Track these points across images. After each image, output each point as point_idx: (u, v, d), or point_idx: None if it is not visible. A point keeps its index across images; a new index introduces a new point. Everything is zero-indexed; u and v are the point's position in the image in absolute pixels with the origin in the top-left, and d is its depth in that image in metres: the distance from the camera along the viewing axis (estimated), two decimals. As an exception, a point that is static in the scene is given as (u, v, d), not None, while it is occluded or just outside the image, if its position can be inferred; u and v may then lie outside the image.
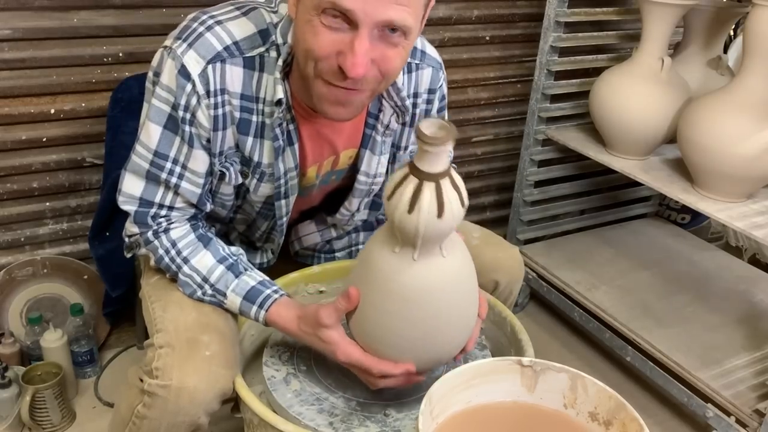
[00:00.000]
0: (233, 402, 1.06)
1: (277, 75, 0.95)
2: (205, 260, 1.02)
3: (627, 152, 1.71)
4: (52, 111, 1.46)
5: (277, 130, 0.99)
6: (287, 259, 1.27)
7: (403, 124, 1.13)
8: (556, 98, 1.88)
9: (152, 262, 1.06)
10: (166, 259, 1.03)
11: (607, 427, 0.80)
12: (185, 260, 1.02)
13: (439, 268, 0.87)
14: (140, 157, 0.99)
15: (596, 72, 1.80)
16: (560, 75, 1.87)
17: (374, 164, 1.12)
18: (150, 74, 0.99)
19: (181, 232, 1.03)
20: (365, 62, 0.86)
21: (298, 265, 1.25)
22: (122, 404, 1.00)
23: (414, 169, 0.80)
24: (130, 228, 1.04)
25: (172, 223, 1.03)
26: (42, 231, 1.57)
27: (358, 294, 0.90)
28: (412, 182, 0.80)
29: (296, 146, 1.03)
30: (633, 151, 1.70)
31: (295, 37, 0.92)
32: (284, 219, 1.11)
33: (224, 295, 1.01)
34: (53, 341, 1.52)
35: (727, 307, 1.79)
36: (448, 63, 1.86)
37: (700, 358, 1.57)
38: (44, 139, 1.48)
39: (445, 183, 0.81)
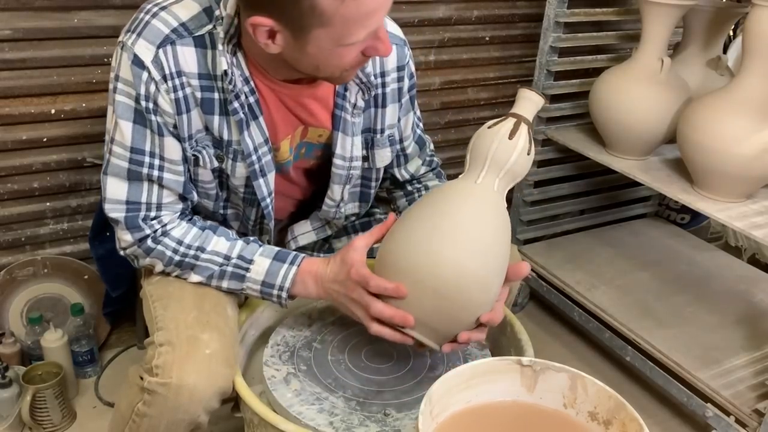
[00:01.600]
0: (233, 401, 1.07)
1: (220, 47, 0.96)
2: (222, 242, 1.03)
3: (627, 152, 1.71)
4: (53, 111, 1.46)
5: (236, 104, 0.99)
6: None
7: (375, 105, 1.13)
8: (556, 98, 1.88)
9: (158, 269, 1.05)
10: (177, 257, 1.02)
11: (606, 427, 0.80)
12: (201, 249, 1.02)
13: (495, 201, 0.95)
14: (118, 157, 0.99)
15: (596, 72, 1.79)
16: (560, 75, 1.87)
17: (348, 146, 1.11)
18: (111, 74, 0.99)
19: (181, 230, 1.03)
20: (389, 40, 0.94)
21: (298, 265, 1.25)
22: (122, 402, 1.00)
23: (515, 115, 0.98)
24: (123, 237, 1.03)
25: (167, 225, 1.03)
26: (42, 231, 1.57)
27: (394, 218, 0.99)
28: (510, 120, 0.97)
29: (261, 119, 1.03)
30: (633, 152, 1.70)
31: (315, 58, 0.92)
32: (268, 200, 1.10)
33: (250, 261, 1.02)
34: (54, 341, 1.52)
35: (727, 307, 1.79)
36: (448, 63, 1.87)
37: (700, 358, 1.57)
38: (45, 139, 1.48)
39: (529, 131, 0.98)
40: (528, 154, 0.97)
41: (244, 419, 1.03)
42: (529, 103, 0.99)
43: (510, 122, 0.97)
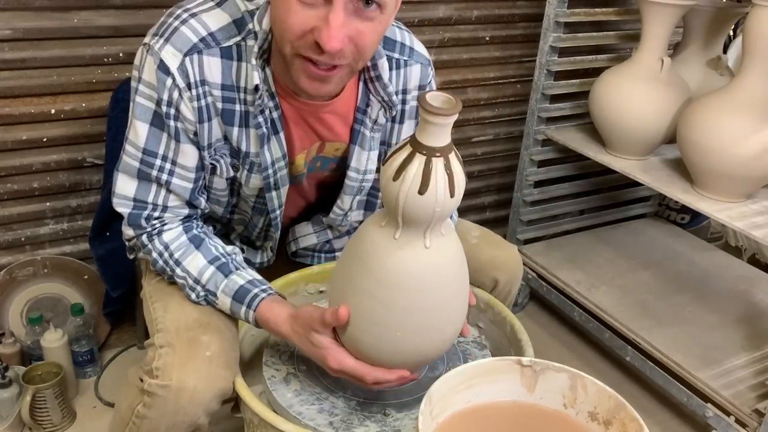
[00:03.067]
0: (233, 402, 1.07)
1: (253, 62, 0.95)
2: (196, 261, 1.02)
3: (627, 152, 1.71)
4: (53, 111, 1.46)
5: (260, 118, 0.99)
6: (287, 259, 1.27)
7: (393, 120, 1.13)
8: (556, 98, 1.88)
9: (151, 266, 1.07)
10: (161, 262, 1.03)
11: (606, 427, 0.80)
12: (177, 262, 1.02)
13: (428, 254, 0.83)
14: (130, 156, 0.99)
15: (596, 72, 1.80)
16: (560, 75, 1.87)
17: (364, 160, 1.11)
18: (134, 73, 0.99)
19: (173, 234, 1.03)
20: (341, 35, 0.85)
21: (297, 265, 1.25)
22: (122, 404, 1.00)
23: (416, 144, 0.76)
24: (126, 231, 1.04)
25: (165, 224, 1.03)
26: (42, 231, 1.57)
27: (348, 314, 0.88)
28: (418, 159, 0.76)
29: (282, 135, 1.03)
30: (633, 152, 1.70)
31: (272, 18, 0.92)
32: (277, 212, 1.10)
33: (215, 295, 1.01)
34: (54, 341, 1.52)
35: (727, 307, 1.79)
36: (448, 63, 1.87)
37: (700, 358, 1.57)
38: (45, 139, 1.48)
39: (453, 158, 0.78)
40: (452, 196, 0.77)
41: (244, 419, 1.03)
42: (436, 127, 0.75)
43: (416, 165, 0.76)
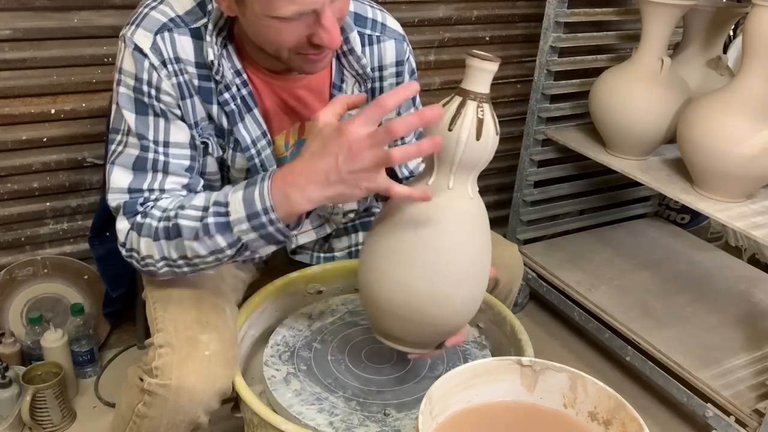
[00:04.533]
0: (233, 402, 1.07)
1: (208, 38, 0.97)
2: (200, 197, 0.95)
3: (627, 152, 1.71)
4: (53, 111, 1.46)
5: (226, 95, 1.00)
6: (287, 259, 1.27)
7: (373, 98, 1.11)
8: (556, 98, 1.88)
9: (156, 257, 0.97)
10: (162, 224, 0.95)
11: (606, 427, 0.80)
12: (181, 206, 0.95)
13: (471, 210, 0.89)
14: (130, 146, 0.99)
15: (596, 72, 1.80)
16: (560, 75, 1.87)
17: None
18: (116, 66, 1.00)
19: (167, 200, 0.98)
20: (337, 31, 0.90)
21: (297, 265, 1.25)
22: (123, 403, 1.00)
23: (465, 92, 0.84)
24: (120, 226, 0.98)
25: (159, 200, 0.99)
26: (42, 231, 1.57)
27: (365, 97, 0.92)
28: (471, 104, 0.84)
29: (256, 111, 1.03)
30: (633, 152, 1.70)
31: (255, 36, 0.94)
32: None
33: (226, 204, 0.91)
34: (54, 341, 1.52)
35: (727, 307, 1.79)
36: (448, 63, 1.87)
37: (700, 358, 1.57)
38: (45, 139, 1.48)
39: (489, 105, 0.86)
40: (497, 134, 0.86)
41: (244, 419, 1.03)
42: (484, 74, 0.84)
43: (471, 111, 0.83)
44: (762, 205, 1.49)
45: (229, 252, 0.93)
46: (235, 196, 0.90)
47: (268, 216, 0.88)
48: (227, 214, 0.90)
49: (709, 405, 1.47)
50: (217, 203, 0.92)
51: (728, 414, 1.44)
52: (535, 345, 1.08)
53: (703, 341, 1.64)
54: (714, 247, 2.13)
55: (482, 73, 0.83)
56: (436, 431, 0.78)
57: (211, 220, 0.91)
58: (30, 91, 1.43)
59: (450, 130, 0.83)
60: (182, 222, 0.92)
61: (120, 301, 1.60)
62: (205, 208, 0.93)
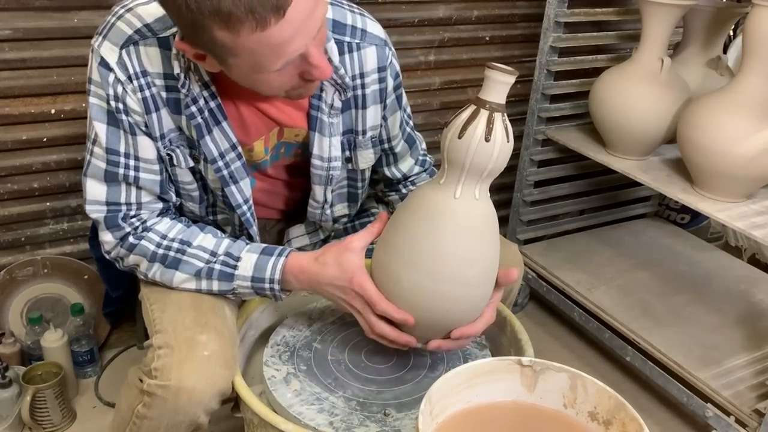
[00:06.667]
0: (233, 402, 1.07)
1: (174, 50, 0.95)
2: (208, 238, 1.03)
3: (627, 152, 1.71)
4: (53, 111, 1.46)
5: (193, 108, 0.98)
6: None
7: (356, 107, 1.11)
8: (556, 98, 1.88)
9: (142, 269, 1.04)
10: (161, 251, 1.01)
11: (606, 427, 0.80)
12: (187, 243, 1.02)
13: (478, 212, 0.92)
14: (96, 157, 1.00)
15: (596, 72, 1.79)
16: (560, 75, 1.87)
17: (326, 147, 1.09)
18: (87, 76, 0.99)
19: (165, 225, 1.03)
20: (326, 62, 0.91)
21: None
22: (123, 404, 1.00)
23: (480, 102, 0.88)
24: (105, 238, 1.04)
25: (147, 221, 1.03)
26: (42, 231, 1.57)
27: (387, 216, 0.97)
28: (482, 114, 0.87)
29: (225, 125, 1.01)
30: (633, 152, 1.70)
31: (245, 81, 0.92)
32: (244, 208, 1.08)
33: (238, 258, 1.01)
34: (54, 341, 1.52)
35: (727, 307, 1.79)
36: (448, 63, 1.87)
37: (700, 358, 1.57)
38: (45, 140, 1.48)
39: (505, 117, 0.90)
40: (507, 142, 0.89)
41: (244, 419, 1.03)
42: (500, 85, 0.87)
43: (483, 117, 0.87)
44: (762, 205, 1.49)
45: (215, 291, 1.03)
46: (249, 256, 1.00)
47: (271, 285, 1.01)
48: (235, 267, 1.00)
49: (709, 405, 1.47)
50: (229, 254, 1.01)
51: (728, 414, 1.44)
52: (535, 345, 1.08)
53: (703, 341, 1.64)
54: (714, 247, 2.13)
55: (498, 84, 0.87)
56: (436, 431, 0.78)
57: (218, 266, 1.01)
58: (30, 91, 1.43)
59: (460, 137, 0.88)
60: (187, 259, 1.01)
61: (120, 301, 1.60)
62: (214, 254, 1.01)
